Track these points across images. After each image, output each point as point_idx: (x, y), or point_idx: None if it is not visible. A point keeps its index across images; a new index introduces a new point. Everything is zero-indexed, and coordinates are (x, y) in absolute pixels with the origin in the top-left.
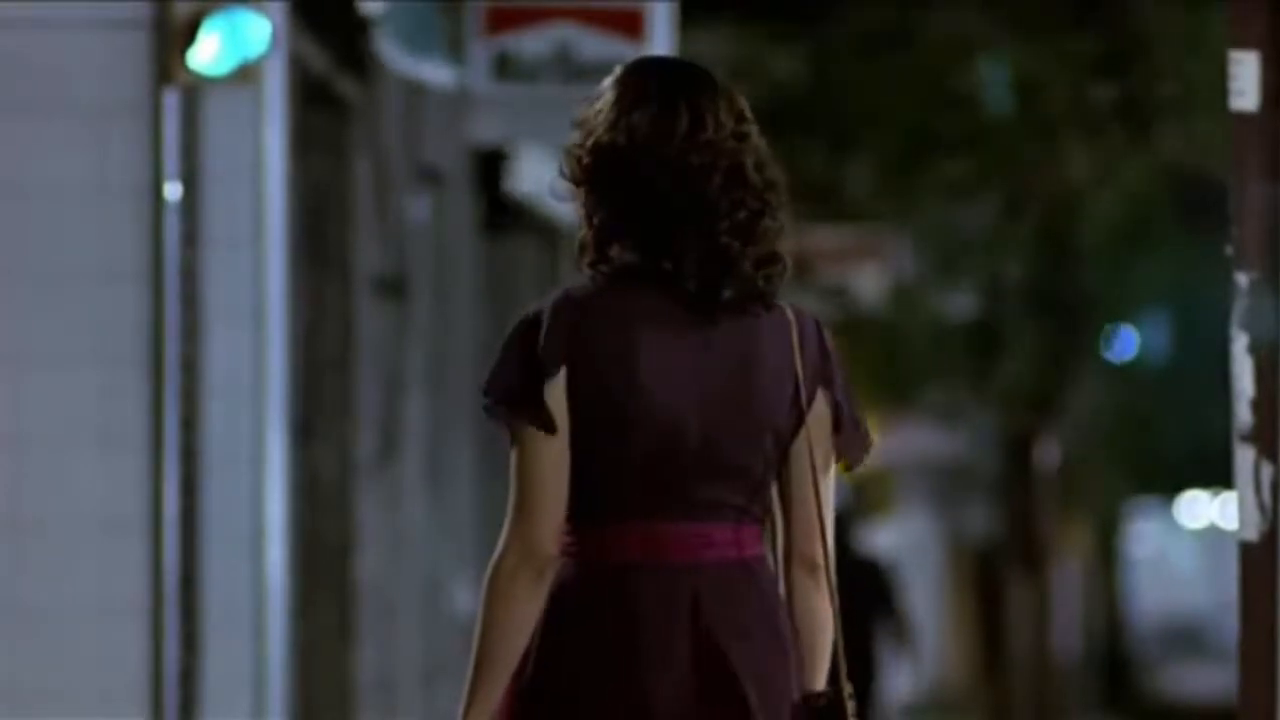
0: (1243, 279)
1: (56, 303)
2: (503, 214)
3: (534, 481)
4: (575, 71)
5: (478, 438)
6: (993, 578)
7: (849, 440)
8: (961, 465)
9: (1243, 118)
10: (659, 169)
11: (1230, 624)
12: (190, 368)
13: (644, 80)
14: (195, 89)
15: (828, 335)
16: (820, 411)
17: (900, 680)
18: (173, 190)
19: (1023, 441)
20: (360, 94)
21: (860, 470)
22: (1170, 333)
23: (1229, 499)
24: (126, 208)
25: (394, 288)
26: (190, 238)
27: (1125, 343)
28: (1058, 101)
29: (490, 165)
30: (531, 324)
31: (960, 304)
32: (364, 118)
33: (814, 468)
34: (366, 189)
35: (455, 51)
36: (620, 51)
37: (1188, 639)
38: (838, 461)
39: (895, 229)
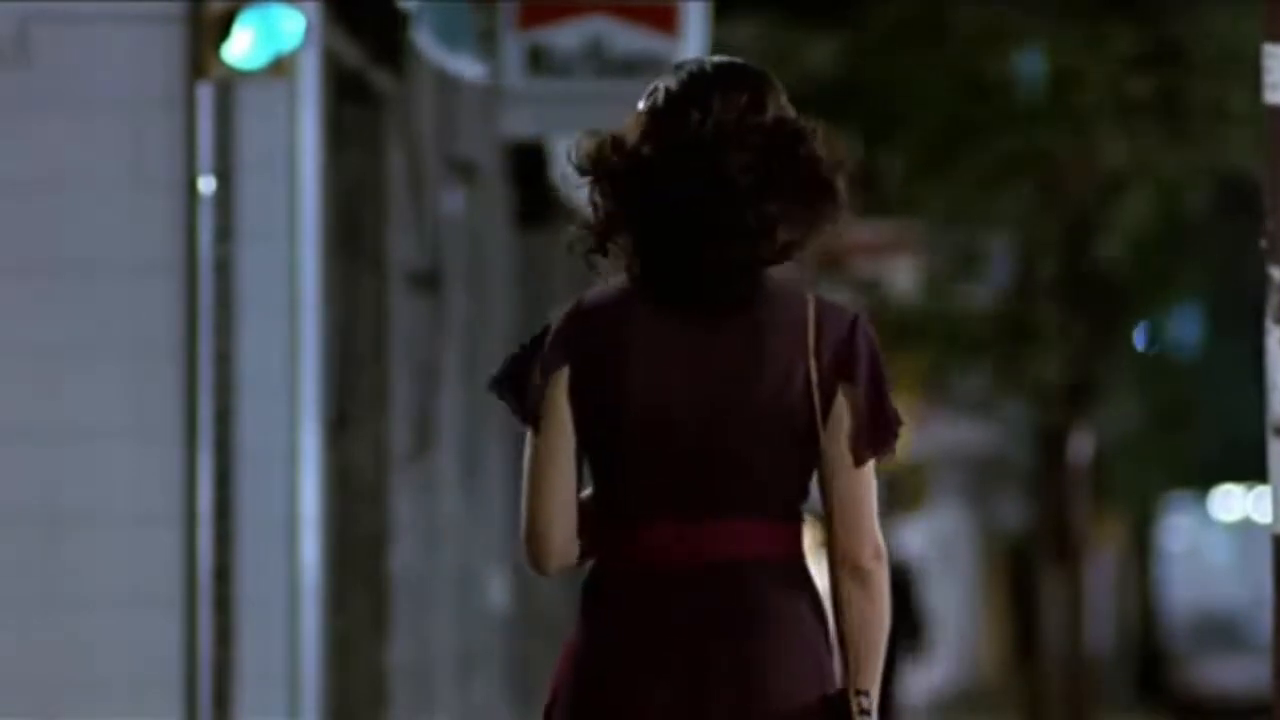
0: (1277, 272)
1: (91, 296)
2: (536, 207)
3: (528, 476)
4: (608, 66)
5: (512, 430)
6: (1026, 571)
7: (873, 436)
8: (995, 458)
9: (1276, 111)
10: (652, 167)
11: (1264, 618)
12: (224, 361)
13: (664, 84)
14: (229, 83)
15: (862, 327)
16: (842, 408)
17: (925, 679)
18: (207, 184)
19: (1056, 435)
20: (394, 88)
21: (892, 464)
22: (1204, 326)
23: (1263, 493)
24: (161, 201)
25: (428, 281)
26: (224, 231)
27: (1148, 334)
28: (1093, 92)
29: (524, 159)
30: (544, 329)
31: (992, 296)
32: (398, 111)
33: (839, 467)
34: (400, 182)
35: (489, 45)
36: (653, 46)
37: (1221, 632)
38: (867, 458)
39: (928, 221)
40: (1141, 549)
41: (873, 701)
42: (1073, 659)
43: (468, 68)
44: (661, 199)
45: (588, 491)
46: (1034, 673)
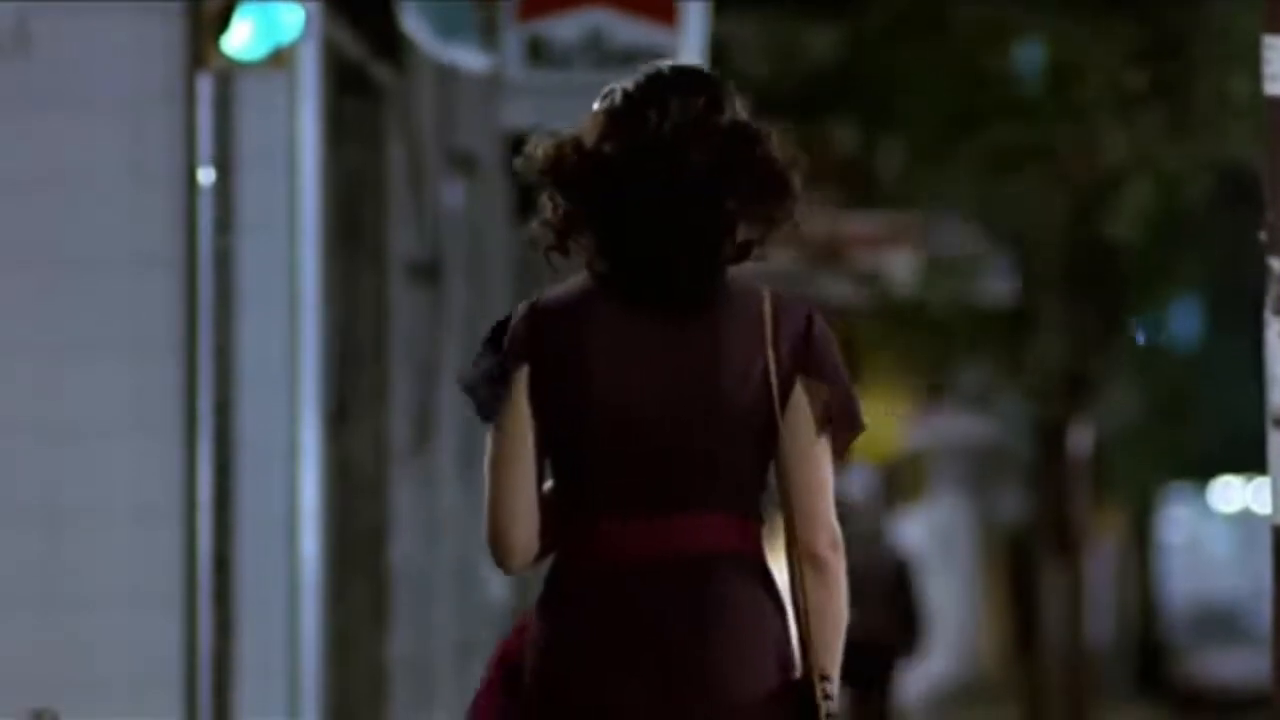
0: (1277, 264)
1: (90, 288)
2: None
3: (489, 476)
4: (608, 57)
5: None
6: (1025, 562)
7: (833, 424)
8: (994, 450)
9: (1276, 103)
10: (612, 167)
11: (1264, 609)
12: (224, 354)
13: (620, 86)
14: (229, 74)
15: (818, 321)
16: (800, 399)
17: (924, 672)
18: (206, 176)
19: (1056, 426)
20: (394, 79)
21: (892, 455)
22: (1204, 319)
23: (1262, 484)
24: (160, 194)
25: (429, 273)
26: (224, 223)
27: (1148, 327)
28: (1093, 85)
29: (522, 149)
30: (499, 326)
31: (993, 288)
32: (398, 103)
33: (797, 458)
34: (401, 175)
35: (488, 37)
36: (653, 38)
37: (1221, 624)
38: (826, 445)
39: (928, 213)
40: (1141, 541)
41: (834, 686)
42: (1072, 651)
43: (468, 59)
44: (622, 198)
45: (549, 485)
46: (1033, 664)
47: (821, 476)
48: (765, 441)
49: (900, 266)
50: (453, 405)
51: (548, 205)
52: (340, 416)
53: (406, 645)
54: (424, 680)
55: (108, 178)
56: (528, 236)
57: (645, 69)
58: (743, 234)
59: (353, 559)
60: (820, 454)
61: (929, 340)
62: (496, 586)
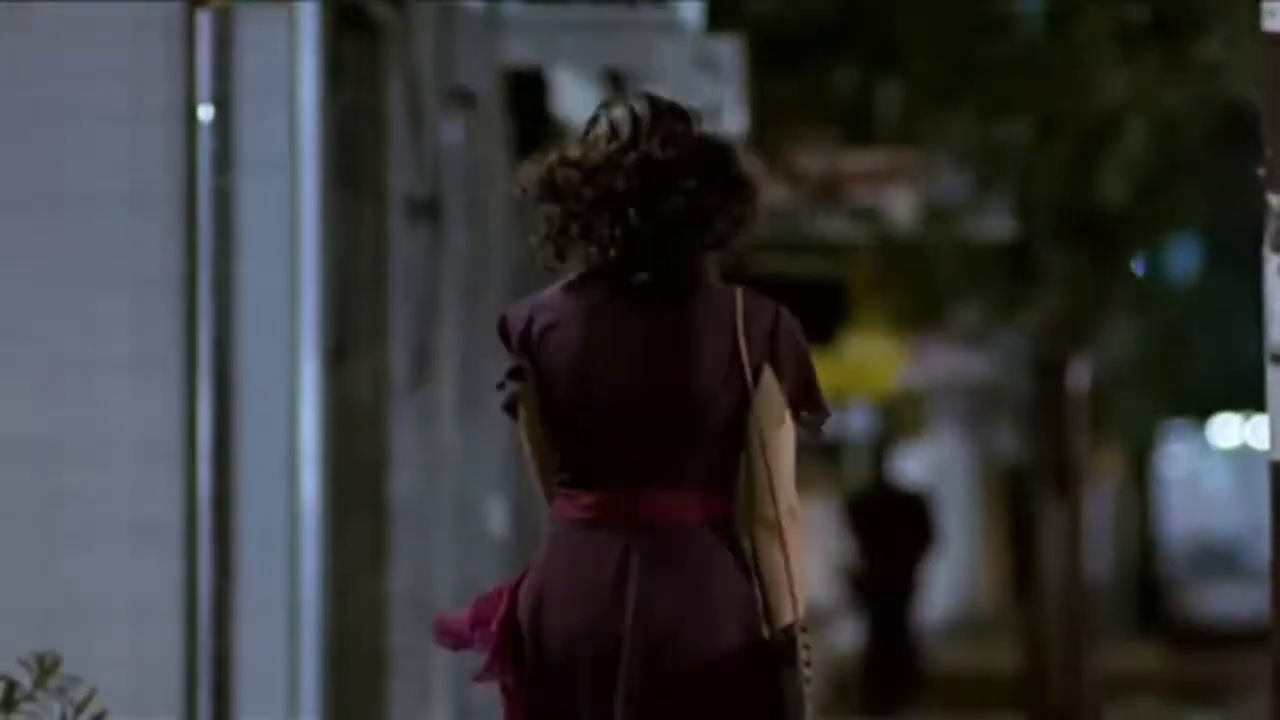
0: (1275, 200)
1: (88, 227)
2: (535, 137)
3: (524, 452)
4: None
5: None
6: (1024, 500)
7: (796, 400)
8: (992, 387)
9: (1275, 39)
10: (590, 177)
11: (1262, 545)
12: (223, 291)
13: (603, 111)
14: (228, 11)
15: (785, 317)
16: (768, 384)
17: (925, 606)
18: (206, 114)
19: (1055, 364)
20: (394, 17)
21: (890, 393)
22: (1203, 256)
23: (1261, 421)
24: (159, 131)
25: (428, 210)
26: (223, 161)
27: (1146, 264)
28: (1092, 23)
29: (523, 88)
30: (500, 323)
31: (992, 227)
32: (397, 41)
33: (762, 437)
34: (400, 113)
35: None
36: None
37: (1220, 560)
38: (788, 421)
39: (927, 152)
40: (1140, 478)
41: (795, 635)
42: (1071, 587)
43: None
44: (613, 201)
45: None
46: (1032, 601)
47: (782, 452)
48: (736, 424)
49: (898, 204)
50: (452, 342)
51: (543, 224)
52: (339, 354)
53: (406, 580)
54: (424, 614)
55: (106, 114)
56: (529, 251)
57: (625, 100)
58: (719, 228)
59: (352, 495)
60: (784, 435)
61: (926, 277)
62: (496, 521)
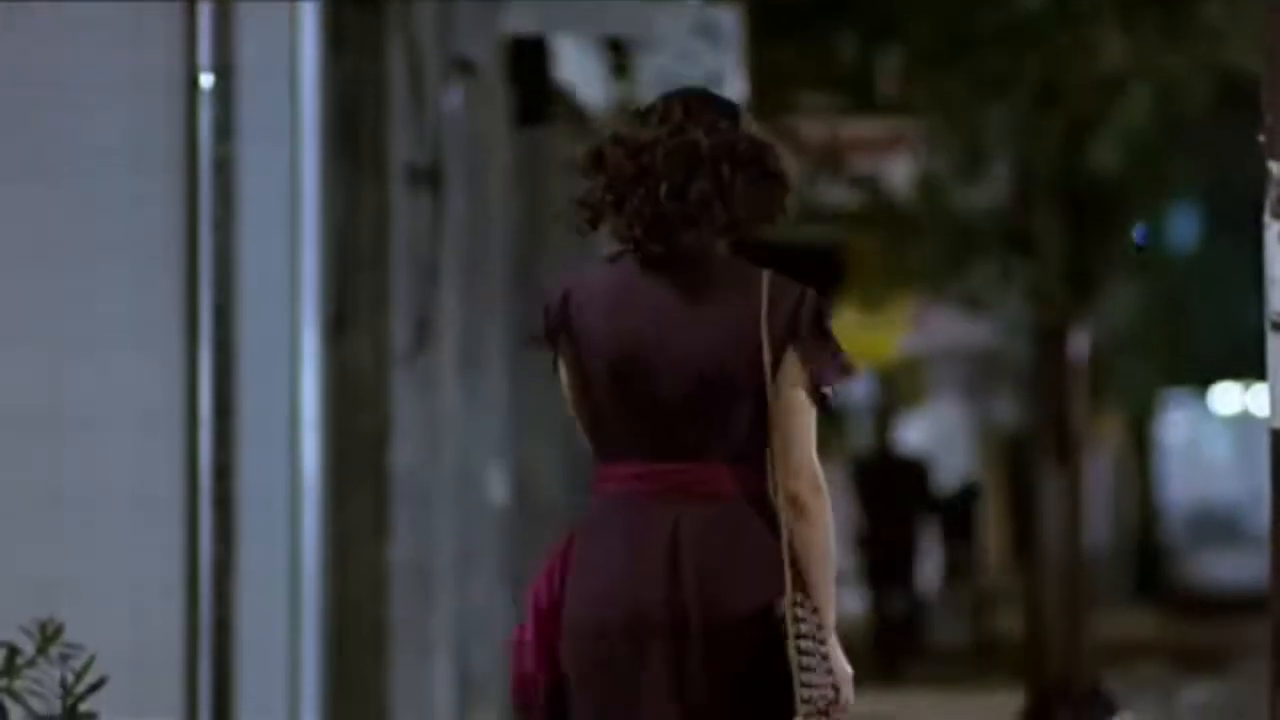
0: (1275, 167)
1: (89, 196)
2: (536, 105)
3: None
4: None
5: (512, 328)
6: (1024, 467)
7: (817, 373)
8: (992, 354)
9: (1275, 4)
10: (634, 154)
11: (1262, 512)
12: (224, 260)
13: (656, 101)
14: None
15: (810, 297)
16: (791, 359)
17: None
18: (207, 82)
19: (1055, 331)
20: None
21: (890, 360)
22: (1202, 223)
23: (1261, 389)
24: (160, 100)
25: (429, 178)
26: (224, 130)
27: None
28: None
29: (524, 56)
30: (546, 296)
31: (990, 195)
32: (398, 9)
33: (787, 412)
34: (401, 80)
35: None
36: None
37: (1219, 527)
38: (810, 393)
39: (926, 121)
40: (1140, 445)
41: (809, 611)
42: (1071, 554)
43: None
44: (648, 178)
45: None
46: (1032, 568)
47: (803, 427)
48: (761, 400)
49: (898, 171)
50: (452, 310)
51: (584, 193)
52: (340, 322)
53: (407, 550)
54: (425, 583)
55: (107, 82)
56: (558, 212)
57: (676, 92)
58: (748, 212)
59: (353, 464)
60: (805, 410)
61: (926, 245)
62: (496, 490)
